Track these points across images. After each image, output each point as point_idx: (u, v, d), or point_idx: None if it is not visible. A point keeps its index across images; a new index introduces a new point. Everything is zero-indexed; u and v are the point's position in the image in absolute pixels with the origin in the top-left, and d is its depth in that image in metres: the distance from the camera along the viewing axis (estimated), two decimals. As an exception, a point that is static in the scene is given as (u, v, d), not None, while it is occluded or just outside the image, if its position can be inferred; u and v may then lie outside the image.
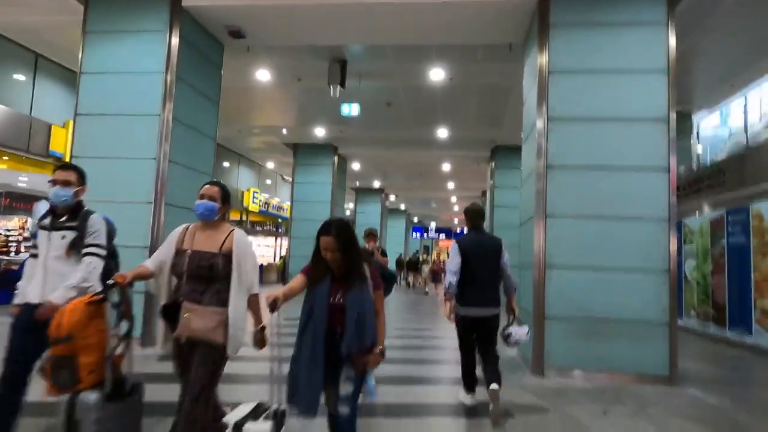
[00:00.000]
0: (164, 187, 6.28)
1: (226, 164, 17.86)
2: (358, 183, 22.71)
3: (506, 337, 4.22)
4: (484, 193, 22.96)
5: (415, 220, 38.47)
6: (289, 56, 8.58)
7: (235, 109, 12.12)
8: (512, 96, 9.83)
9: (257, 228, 22.80)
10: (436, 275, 18.74)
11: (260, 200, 19.29)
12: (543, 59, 5.82)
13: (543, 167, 5.72)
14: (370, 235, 6.00)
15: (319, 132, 13.58)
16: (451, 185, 21.67)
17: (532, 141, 6.17)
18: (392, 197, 25.86)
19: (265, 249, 20.72)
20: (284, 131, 13.74)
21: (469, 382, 4.26)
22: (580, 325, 5.50)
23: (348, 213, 26.03)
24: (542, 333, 5.55)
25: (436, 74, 8.99)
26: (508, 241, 12.11)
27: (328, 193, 15.07)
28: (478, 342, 4.16)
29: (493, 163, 14.57)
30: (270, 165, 19.78)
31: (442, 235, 35.59)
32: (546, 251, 5.64)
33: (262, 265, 20.29)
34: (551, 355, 5.51)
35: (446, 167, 17.66)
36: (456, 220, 37.45)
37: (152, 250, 6.16)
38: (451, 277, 4.02)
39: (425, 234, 35.02)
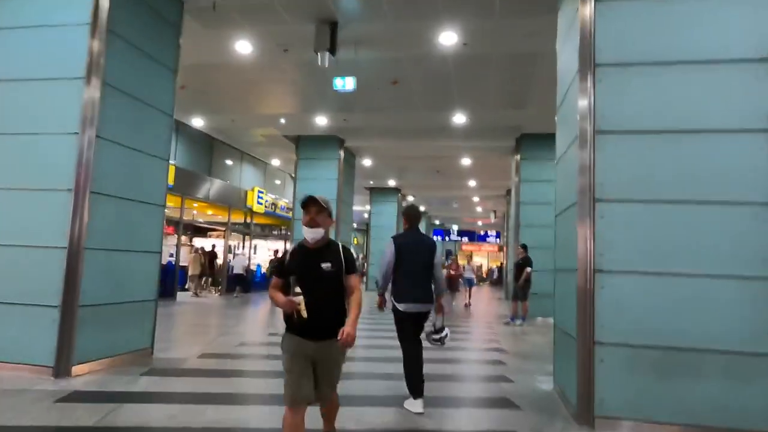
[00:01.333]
0: (89, 170, 4.86)
1: (228, 162, 16.62)
2: (372, 182, 21.22)
3: (441, 337, 4.40)
4: (508, 192, 21.19)
5: (437, 222, 36.75)
6: (269, 19, 7.12)
7: (222, 94, 10.78)
8: (540, 66, 8.18)
9: (266, 231, 21.53)
10: (453, 282, 16.12)
11: (266, 201, 17.96)
12: (587, -17, 4.19)
13: (589, 134, 4.09)
14: (312, 205, 2.74)
15: (321, 121, 12.13)
16: (472, 183, 19.97)
17: (571, 101, 4.54)
18: (410, 197, 24.26)
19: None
20: (282, 120, 12.33)
21: (415, 383, 4.18)
22: (648, 355, 3.83)
23: (366, 216, 24.54)
24: (591, 366, 3.91)
25: (447, 38, 7.41)
26: (538, 242, 10.47)
27: (333, 191, 13.59)
28: None
29: (519, 155, 12.87)
30: (275, 162, 18.46)
31: (465, 238, 33.79)
32: (595, 250, 3.99)
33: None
34: (605, 398, 3.85)
35: (466, 161, 16.01)
36: (480, 222, 35.59)
37: (71, 252, 4.75)
38: (383, 272, 4.31)
39: (447, 237, 33.29)
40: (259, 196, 17.57)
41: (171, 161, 13.33)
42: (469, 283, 16.45)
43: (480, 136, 12.83)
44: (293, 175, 13.95)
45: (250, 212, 17.57)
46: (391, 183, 21.20)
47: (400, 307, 4.26)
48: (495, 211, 27.69)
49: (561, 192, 5.06)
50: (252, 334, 8.28)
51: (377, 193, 22.48)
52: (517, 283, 11.12)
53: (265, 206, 18.01)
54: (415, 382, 4.14)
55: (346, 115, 11.60)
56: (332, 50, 7.06)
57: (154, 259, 5.89)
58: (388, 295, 4.50)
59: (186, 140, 13.95)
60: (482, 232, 33.57)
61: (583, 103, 4.14)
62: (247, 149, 16.83)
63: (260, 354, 6.61)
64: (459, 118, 11.40)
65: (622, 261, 3.95)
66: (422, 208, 29.33)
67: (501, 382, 5.36)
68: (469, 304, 15.41)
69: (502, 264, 36.57)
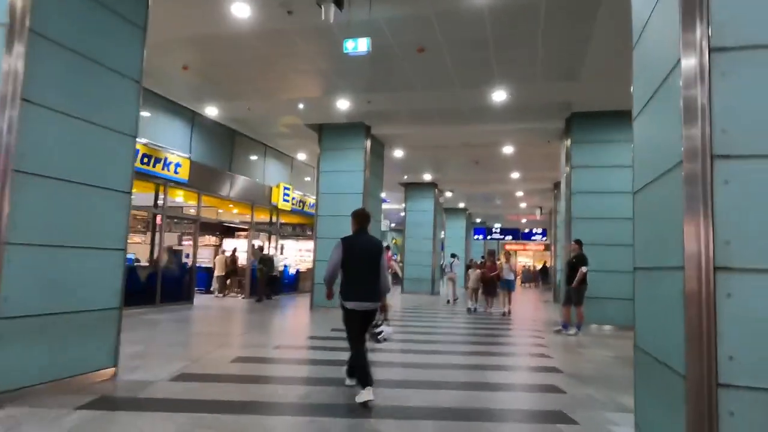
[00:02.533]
0: (12, 142, 3.77)
1: (251, 156, 15.66)
2: (406, 177, 19.86)
3: (377, 335, 4.97)
4: (556, 185, 19.37)
5: (478, 221, 34.92)
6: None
7: (231, 76, 9.72)
8: (600, 15, 6.62)
9: (296, 230, 20.54)
10: (489, 286, 13.40)
11: (293, 198, 16.91)
12: None
13: (699, 55, 2.61)
14: None
15: (343, 105, 10.90)
16: (515, 175, 18.26)
17: (662, 16, 3.07)
18: (448, 194, 22.72)
19: (306, 254, 18.43)
20: (301, 106, 11.17)
21: (362, 376, 4.31)
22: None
23: (402, 214, 23.16)
24: (713, 421, 2.43)
25: (481, -18, 6.00)
26: (592, 237, 8.88)
27: (359, 184, 12.32)
28: None
29: (569, 139, 11.19)
30: (302, 156, 17.38)
31: (509, 237, 31.81)
32: (715, 236, 2.51)
33: (298, 270, 17.99)
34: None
35: (508, 150, 14.38)
36: (524, 220, 33.53)
37: (-14, 247, 3.65)
38: (327, 272, 4.52)
39: (488, 236, 31.41)
40: (285, 193, 16.55)
41: (185, 155, 12.50)
42: (507, 285, 13.00)
43: (523, 117, 11.27)
44: (317, 168, 12.77)
45: (276, 210, 16.58)
46: (427, 177, 19.75)
47: (348, 305, 4.47)
48: (541, 207, 25.78)
49: (646, 154, 3.55)
50: (255, 346, 7.10)
51: (412, 188, 21.10)
52: (570, 285, 9.52)
53: (292, 204, 16.98)
54: (362, 375, 4.29)
55: (369, 96, 10.32)
56: (338, 2, 5.78)
57: (115, 258, 4.76)
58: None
59: (204, 133, 13.03)
60: (527, 230, 31.53)
61: (688, 7, 2.66)
62: (270, 142, 15.83)
63: (252, 375, 5.37)
64: (498, 96, 9.90)
65: (763, 253, 2.45)
66: (461, 205, 27.77)
67: (560, 424, 3.91)
68: (508, 312, 12.75)
69: (546, 264, 34.30)
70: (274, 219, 16.83)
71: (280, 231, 17.04)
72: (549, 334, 9.42)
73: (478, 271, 13.65)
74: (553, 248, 20.57)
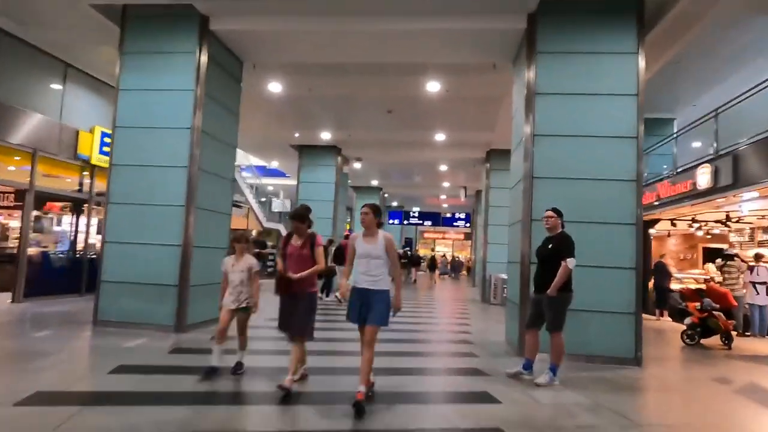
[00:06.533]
0: None
1: (44, 81, 9.92)
2: (297, 135, 14.87)
3: None
4: (489, 155, 15.35)
5: (394, 204, 30.64)
6: None
7: None
8: None
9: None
10: (287, 301, 4.44)
11: (121, 151, 11.32)
12: None
13: None
14: None
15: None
16: (440, 137, 13.91)
17: None
18: (356, 164, 17.98)
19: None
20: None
21: None
22: None
23: (299, 185, 18.20)
24: None
25: None
26: (561, 209, 4.32)
27: (186, 113, 7.22)
28: None
29: (533, 58, 6.83)
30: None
31: (428, 222, 27.86)
32: None
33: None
34: None
35: (433, 87, 9.86)
36: (445, 205, 29.70)
37: None
38: None
39: (405, 220, 27.27)
40: (104, 143, 10.97)
41: None
42: (380, 311, 4.01)
43: (462, 26, 6.75)
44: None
45: (90, 168, 10.96)
46: (326, 137, 14.86)
47: None
48: (465, 188, 21.90)
49: None
50: None
51: (308, 153, 16.15)
52: (542, 293, 5.15)
53: (119, 160, 11.37)
54: None
55: None
56: None
57: None
58: None
59: None
60: (449, 215, 27.83)
61: None
62: (73, 59, 10.17)
63: None
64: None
65: None
66: (374, 183, 23.31)
67: None
68: (365, 395, 3.96)
69: (455, 258, 30.46)
70: (82, 183, 11.12)
71: (94, 200, 11.26)
72: (500, 383, 5.02)
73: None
74: (483, 236, 16.53)
